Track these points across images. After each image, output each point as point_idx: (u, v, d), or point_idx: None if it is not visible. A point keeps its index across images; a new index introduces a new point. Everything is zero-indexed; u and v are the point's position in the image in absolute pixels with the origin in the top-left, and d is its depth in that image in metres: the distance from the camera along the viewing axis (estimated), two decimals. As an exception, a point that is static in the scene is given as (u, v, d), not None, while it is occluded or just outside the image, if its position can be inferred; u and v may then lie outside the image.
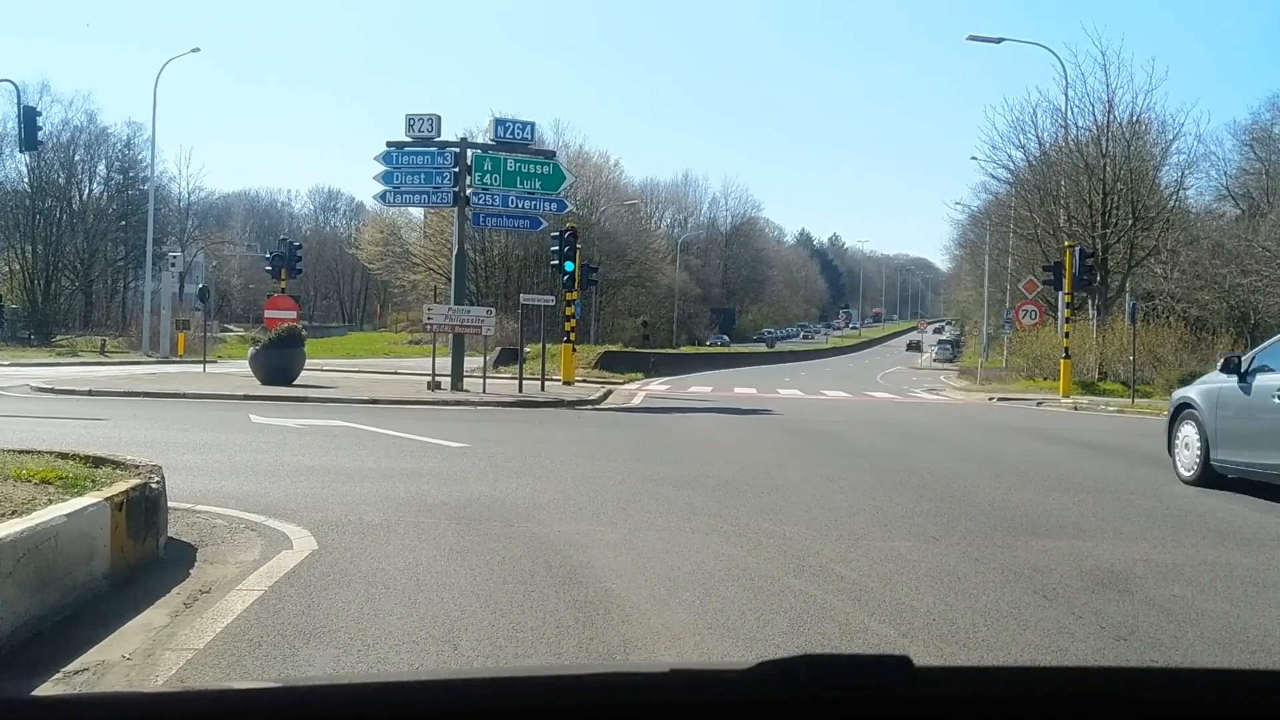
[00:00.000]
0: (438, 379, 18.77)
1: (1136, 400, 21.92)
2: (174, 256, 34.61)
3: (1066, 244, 26.03)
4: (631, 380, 29.37)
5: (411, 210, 69.78)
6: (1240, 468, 8.51)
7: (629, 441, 11.93)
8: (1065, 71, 31.59)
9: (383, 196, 20.02)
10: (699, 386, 27.72)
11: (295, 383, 19.58)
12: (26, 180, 60.94)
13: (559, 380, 23.01)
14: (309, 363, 22.04)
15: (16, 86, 29.50)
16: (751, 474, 9.15)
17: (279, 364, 19.52)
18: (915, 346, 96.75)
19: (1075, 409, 20.98)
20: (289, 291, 25.74)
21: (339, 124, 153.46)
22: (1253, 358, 8.76)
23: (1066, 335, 25.18)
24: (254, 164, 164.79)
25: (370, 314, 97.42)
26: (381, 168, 19.52)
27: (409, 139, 19.45)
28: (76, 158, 63.98)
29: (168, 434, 11.47)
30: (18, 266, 58.32)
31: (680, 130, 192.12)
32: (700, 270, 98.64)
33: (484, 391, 18.46)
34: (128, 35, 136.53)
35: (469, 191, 19.53)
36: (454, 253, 20.06)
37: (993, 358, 63.94)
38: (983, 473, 9.67)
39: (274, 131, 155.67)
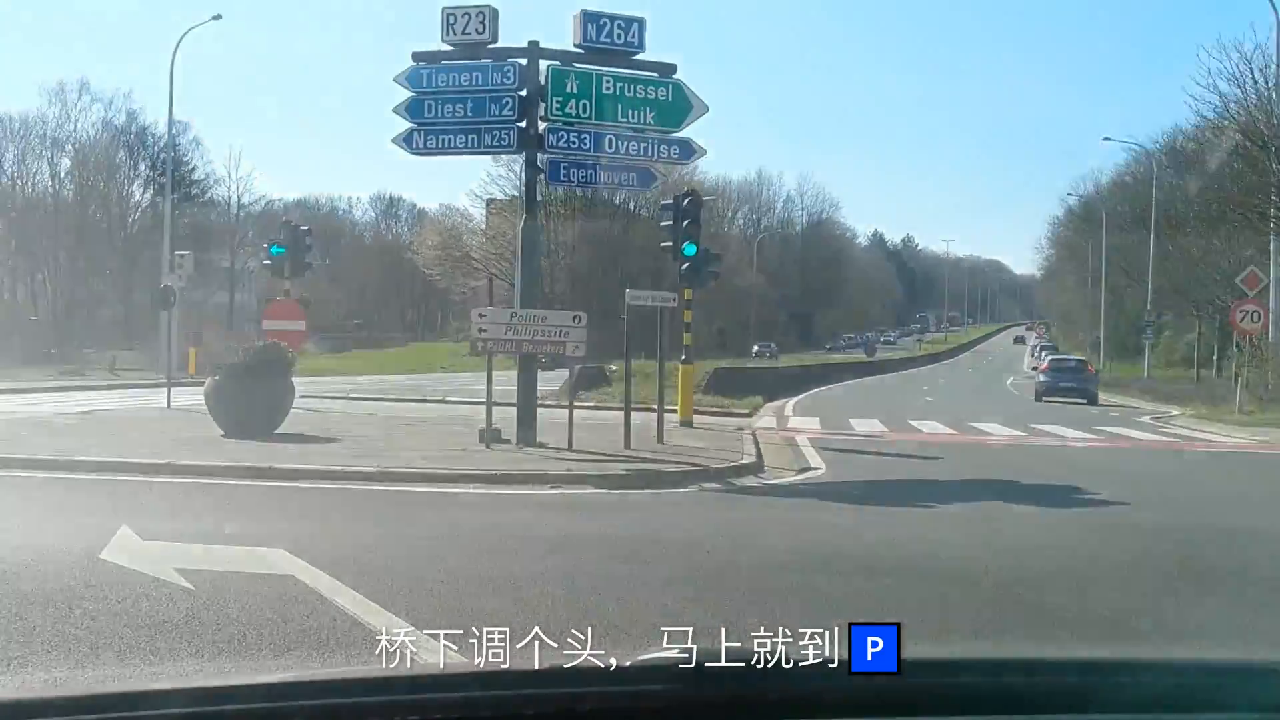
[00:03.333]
0: (495, 429, 11.55)
1: None
2: (181, 256, 28.17)
3: None
4: (754, 408, 21.88)
5: (472, 211, 64.35)
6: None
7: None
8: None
9: (408, 138, 12.58)
10: (858, 420, 19.83)
11: (279, 430, 12.61)
12: (65, 184, 56.55)
13: (674, 415, 15.60)
14: (333, 388, 15.22)
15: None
16: None
17: (248, 403, 12.42)
18: (1021, 342, 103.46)
19: None
20: (292, 294, 18.66)
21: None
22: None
23: None
24: (314, 171, 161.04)
25: (432, 323, 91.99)
26: (406, 94, 12.45)
27: (449, 46, 12.33)
28: (117, 159, 59.64)
29: None
30: (41, 276, 53.50)
31: (750, 127, 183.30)
32: (777, 272, 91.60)
33: (569, 448, 11.29)
34: (172, 32, 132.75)
35: (543, 127, 12.33)
36: (519, 225, 12.90)
37: (1129, 366, 55.34)
38: None
39: (334, 136, 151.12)
